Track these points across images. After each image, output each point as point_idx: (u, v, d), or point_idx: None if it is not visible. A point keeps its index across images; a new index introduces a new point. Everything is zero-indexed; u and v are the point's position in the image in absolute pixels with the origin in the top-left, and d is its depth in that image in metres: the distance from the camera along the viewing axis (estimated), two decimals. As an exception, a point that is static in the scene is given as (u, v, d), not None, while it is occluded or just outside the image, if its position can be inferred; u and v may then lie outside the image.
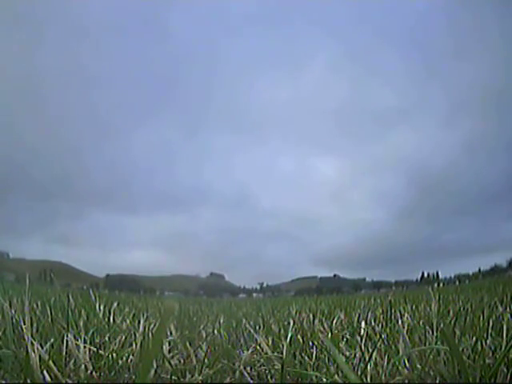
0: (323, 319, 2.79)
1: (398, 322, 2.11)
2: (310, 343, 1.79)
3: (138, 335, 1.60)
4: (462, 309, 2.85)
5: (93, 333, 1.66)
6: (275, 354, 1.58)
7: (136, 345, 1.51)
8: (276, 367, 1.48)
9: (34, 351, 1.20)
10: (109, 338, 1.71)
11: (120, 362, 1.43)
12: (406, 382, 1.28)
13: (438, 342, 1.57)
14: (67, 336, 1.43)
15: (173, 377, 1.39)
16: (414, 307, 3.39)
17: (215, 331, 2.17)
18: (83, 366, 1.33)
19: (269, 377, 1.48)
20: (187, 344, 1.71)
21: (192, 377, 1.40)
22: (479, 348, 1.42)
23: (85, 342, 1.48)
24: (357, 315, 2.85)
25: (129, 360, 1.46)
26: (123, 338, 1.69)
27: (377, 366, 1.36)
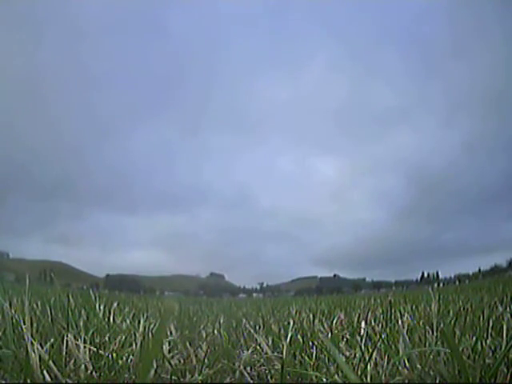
0: (323, 319, 2.79)
1: (398, 322, 2.10)
2: (310, 343, 1.79)
3: (138, 335, 1.59)
4: (461, 309, 2.85)
5: (93, 333, 1.66)
6: (275, 354, 1.58)
7: (136, 345, 1.51)
8: (276, 367, 1.48)
9: (34, 351, 1.20)
10: (109, 338, 1.71)
11: (120, 362, 1.43)
12: (406, 382, 1.28)
13: (438, 342, 1.56)
14: (67, 336, 1.43)
15: (173, 377, 1.39)
16: (413, 307, 3.39)
17: (215, 331, 2.17)
18: (83, 366, 1.33)
19: (269, 377, 1.48)
20: (187, 344, 1.70)
21: (192, 377, 1.40)
22: (479, 348, 1.42)
23: (85, 341, 1.48)
24: (357, 315, 2.85)
25: (129, 360, 1.46)
26: (123, 338, 1.68)
27: (377, 366, 1.36)
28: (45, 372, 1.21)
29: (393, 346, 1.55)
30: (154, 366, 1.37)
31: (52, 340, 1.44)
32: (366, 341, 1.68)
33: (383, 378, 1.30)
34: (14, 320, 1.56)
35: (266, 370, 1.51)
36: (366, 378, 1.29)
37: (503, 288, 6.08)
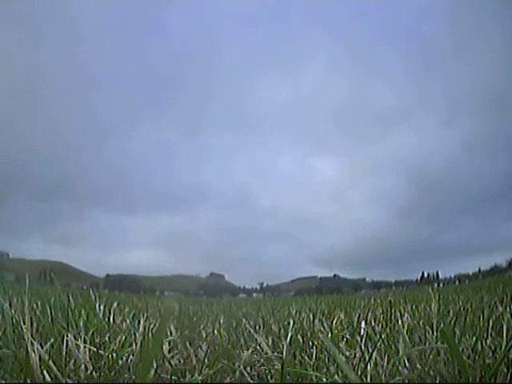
0: (323, 319, 2.79)
1: (398, 322, 2.10)
2: (310, 343, 1.79)
3: (138, 335, 1.59)
4: (461, 309, 2.85)
5: (93, 333, 1.66)
6: (275, 354, 1.58)
7: (136, 345, 1.51)
8: (276, 367, 1.48)
9: (34, 351, 1.20)
10: (109, 338, 1.71)
11: (120, 362, 1.43)
12: (406, 382, 1.28)
13: (438, 342, 1.56)
14: (67, 336, 1.43)
15: (173, 377, 1.39)
16: (414, 307, 3.39)
17: (215, 331, 2.17)
18: (83, 366, 1.33)
19: (269, 377, 1.48)
20: (187, 344, 1.70)
21: (192, 377, 1.40)
22: (479, 348, 1.42)
23: (85, 341, 1.48)
24: (357, 315, 2.85)
25: (129, 360, 1.46)
26: (123, 338, 1.68)
27: (377, 366, 1.36)
28: (45, 372, 1.21)
29: (393, 346, 1.55)
30: (154, 366, 1.37)
31: (52, 340, 1.44)
32: (365, 341, 1.68)
33: (383, 377, 1.30)
34: (14, 320, 1.56)
35: (265, 369, 1.51)
36: (366, 378, 1.29)
37: (503, 288, 6.08)
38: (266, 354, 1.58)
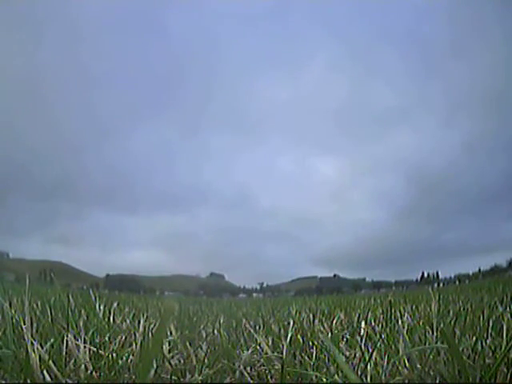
0: (323, 319, 2.79)
1: (398, 322, 2.10)
2: (310, 343, 1.79)
3: (137, 335, 1.60)
4: (461, 309, 2.85)
5: (93, 333, 1.66)
6: (275, 354, 1.58)
7: (136, 345, 1.51)
8: (276, 367, 1.48)
9: (33, 351, 1.20)
10: (109, 338, 1.71)
11: (120, 361, 1.43)
12: (406, 382, 1.28)
13: (438, 342, 1.56)
14: (67, 336, 1.43)
15: (173, 377, 1.39)
16: (414, 307, 3.39)
17: (215, 331, 2.17)
18: (83, 366, 1.33)
19: (269, 377, 1.48)
20: (187, 344, 1.70)
21: (192, 377, 1.40)
22: (479, 348, 1.42)
23: (85, 341, 1.47)
24: (357, 315, 2.85)
25: (129, 360, 1.46)
26: (123, 338, 1.69)
27: (377, 366, 1.36)
28: (45, 372, 1.21)
29: (393, 346, 1.55)
30: (154, 366, 1.37)
31: (52, 340, 1.44)
32: (365, 341, 1.68)
33: (383, 377, 1.30)
34: (14, 320, 1.56)
35: (265, 369, 1.51)
36: (366, 378, 1.29)
37: (503, 288, 6.08)
38: (266, 353, 1.58)
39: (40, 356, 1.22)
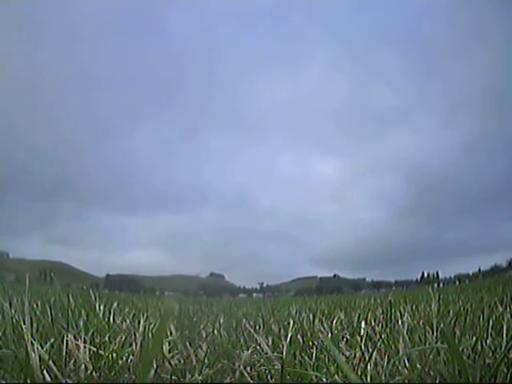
0: (323, 319, 2.79)
1: (398, 322, 2.10)
2: (310, 343, 1.79)
3: (137, 335, 1.59)
4: (461, 309, 2.85)
5: (93, 333, 1.66)
6: (275, 354, 1.58)
7: (136, 345, 1.51)
8: (276, 367, 1.48)
9: (33, 351, 1.20)
10: (109, 338, 1.71)
11: (120, 362, 1.43)
12: (406, 382, 1.28)
13: (438, 342, 1.56)
14: (67, 336, 1.43)
15: (173, 377, 1.39)
16: (413, 307, 3.39)
17: (215, 331, 2.17)
18: (83, 366, 1.33)
19: (269, 377, 1.48)
20: (187, 344, 1.70)
21: (192, 377, 1.40)
22: (479, 348, 1.42)
23: (85, 341, 1.48)
24: (357, 315, 2.85)
25: (129, 360, 1.46)
26: (123, 338, 1.68)
27: (377, 366, 1.36)
28: (45, 372, 1.21)
29: (393, 346, 1.55)
30: (154, 366, 1.37)
31: (52, 340, 1.44)
32: (365, 341, 1.68)
33: (383, 378, 1.30)
34: (14, 320, 1.56)
35: (265, 369, 1.51)
36: (366, 378, 1.29)
37: (503, 288, 6.08)
38: (266, 353, 1.59)
39: (40, 356, 1.22)
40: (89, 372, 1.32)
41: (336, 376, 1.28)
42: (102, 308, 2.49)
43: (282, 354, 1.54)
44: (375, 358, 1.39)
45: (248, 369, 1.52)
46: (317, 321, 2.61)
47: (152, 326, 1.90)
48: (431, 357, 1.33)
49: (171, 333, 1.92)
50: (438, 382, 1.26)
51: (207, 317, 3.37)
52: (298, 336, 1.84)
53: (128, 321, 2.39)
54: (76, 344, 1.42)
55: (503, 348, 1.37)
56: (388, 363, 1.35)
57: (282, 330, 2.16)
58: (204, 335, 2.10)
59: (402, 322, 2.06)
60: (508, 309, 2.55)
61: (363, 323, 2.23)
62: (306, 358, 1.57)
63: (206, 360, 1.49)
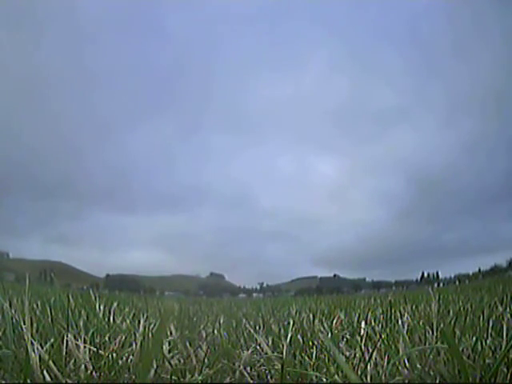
0: (323, 319, 2.79)
1: (398, 322, 2.10)
2: (310, 343, 1.79)
3: (138, 335, 1.59)
4: (461, 309, 2.85)
5: (93, 333, 1.66)
6: (275, 353, 1.58)
7: (136, 345, 1.51)
8: (276, 367, 1.48)
9: (33, 351, 1.20)
10: (109, 338, 1.71)
11: (120, 362, 1.43)
12: (406, 382, 1.28)
13: (438, 342, 1.56)
14: (67, 336, 1.43)
15: (173, 377, 1.39)
16: (413, 307, 3.39)
17: (215, 331, 2.17)
18: (83, 366, 1.33)
19: (269, 377, 1.49)
20: (187, 344, 1.70)
21: (192, 377, 1.40)
22: (479, 348, 1.42)
23: (85, 341, 1.48)
24: (357, 315, 2.85)
25: (129, 360, 1.46)
26: (123, 337, 1.68)
27: (377, 366, 1.36)
28: (45, 372, 1.21)
29: (393, 346, 1.55)
30: (154, 366, 1.37)
31: (52, 340, 1.44)
32: (365, 341, 1.68)
33: (383, 377, 1.30)
34: (14, 320, 1.56)
35: (265, 369, 1.51)
36: (366, 378, 1.29)
37: (503, 288, 6.08)
38: (266, 353, 1.59)
39: (40, 356, 1.22)
40: (89, 372, 1.32)
41: (336, 376, 1.28)
42: (102, 308, 2.49)
43: (282, 354, 1.55)
44: (375, 358, 1.39)
45: (248, 369, 1.52)
46: (317, 321, 2.61)
47: (152, 325, 1.90)
48: (431, 357, 1.33)
49: (171, 333, 1.92)
50: (437, 382, 1.26)
51: (207, 317, 3.37)
52: (298, 336, 1.84)
53: (128, 321, 2.39)
54: (76, 344, 1.42)
55: (503, 348, 1.37)
56: (388, 363, 1.35)
57: (282, 330, 2.16)
58: (204, 335, 2.10)
59: (402, 322, 2.06)
60: (508, 309, 2.55)
61: (363, 323, 2.23)
62: (306, 358, 1.56)
63: (206, 360, 1.49)
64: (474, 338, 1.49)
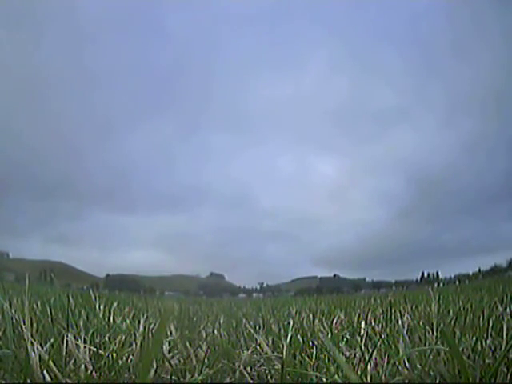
0: (323, 319, 2.79)
1: (398, 322, 2.10)
2: (310, 343, 1.79)
3: (138, 335, 1.59)
4: (461, 309, 2.85)
5: (93, 333, 1.66)
6: (275, 353, 1.58)
7: (136, 345, 1.51)
8: (276, 367, 1.48)
9: (33, 351, 1.20)
10: (109, 338, 1.71)
11: (120, 362, 1.43)
12: (406, 382, 1.28)
13: (438, 342, 1.56)
14: (67, 336, 1.43)
15: (173, 377, 1.39)
16: (413, 307, 3.39)
17: (215, 331, 2.17)
18: (83, 366, 1.33)
19: (269, 377, 1.48)
20: (187, 344, 1.70)
21: (192, 377, 1.40)
22: (479, 348, 1.42)
23: (85, 341, 1.47)
24: (357, 315, 2.85)
25: (129, 360, 1.46)
26: (123, 338, 1.68)
27: (377, 366, 1.36)
28: (45, 372, 1.21)
29: (393, 346, 1.55)
30: (154, 366, 1.37)
31: (52, 340, 1.44)
32: (365, 341, 1.68)
33: (383, 377, 1.30)
34: (14, 320, 1.56)
35: (265, 369, 1.51)
36: (366, 378, 1.29)
37: (503, 288, 6.07)
38: (266, 353, 1.58)
39: (40, 356, 1.22)
40: (89, 372, 1.32)
41: (336, 376, 1.28)
42: (102, 308, 2.49)
43: (282, 354, 1.55)
44: (375, 358, 1.39)
45: (248, 369, 1.52)
46: (317, 321, 2.61)
47: (152, 325, 1.90)
48: (431, 357, 1.33)
49: (171, 333, 1.92)
50: (437, 382, 1.26)
51: (207, 317, 3.37)
52: (298, 336, 1.84)
53: (128, 321, 2.39)
54: (76, 344, 1.42)
55: (503, 348, 1.37)
56: (388, 363, 1.35)
57: (282, 330, 2.16)
58: (204, 335, 2.10)
59: (402, 322, 2.06)
60: (508, 309, 2.55)
61: (363, 323, 2.23)
62: (306, 358, 1.56)
63: (206, 360, 1.49)
64: (474, 338, 1.49)
